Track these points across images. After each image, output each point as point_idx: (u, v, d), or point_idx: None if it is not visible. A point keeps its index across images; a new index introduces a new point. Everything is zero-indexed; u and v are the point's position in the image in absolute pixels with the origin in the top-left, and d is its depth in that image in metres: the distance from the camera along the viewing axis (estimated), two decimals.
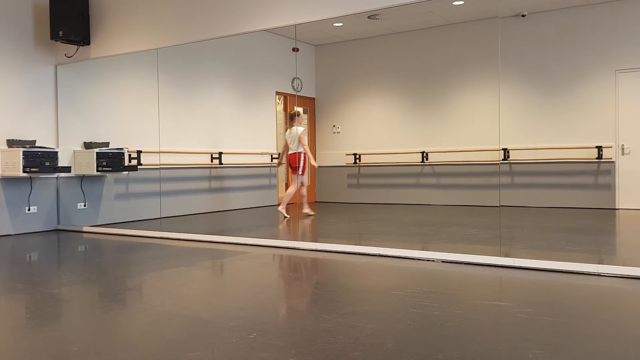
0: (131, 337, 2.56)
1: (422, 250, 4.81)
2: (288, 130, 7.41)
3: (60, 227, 6.76)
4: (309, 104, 9.71)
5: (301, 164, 7.22)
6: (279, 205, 7.91)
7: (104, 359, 2.25)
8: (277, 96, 9.21)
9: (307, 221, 7.27)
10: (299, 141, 7.17)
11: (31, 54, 6.56)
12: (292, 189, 7.33)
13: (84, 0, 6.43)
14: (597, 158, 7.95)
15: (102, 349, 2.37)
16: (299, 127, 7.26)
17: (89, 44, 6.51)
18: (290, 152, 7.32)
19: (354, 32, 8.99)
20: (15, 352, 2.37)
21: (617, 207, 7.78)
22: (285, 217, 7.25)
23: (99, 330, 2.66)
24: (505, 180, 8.46)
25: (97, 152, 6.60)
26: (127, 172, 6.95)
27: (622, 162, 7.82)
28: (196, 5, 5.75)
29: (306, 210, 7.43)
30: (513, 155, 8.41)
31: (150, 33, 6.07)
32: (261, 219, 7.91)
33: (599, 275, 3.74)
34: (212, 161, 7.98)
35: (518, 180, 8.44)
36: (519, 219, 6.98)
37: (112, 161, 6.71)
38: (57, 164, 6.32)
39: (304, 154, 7.23)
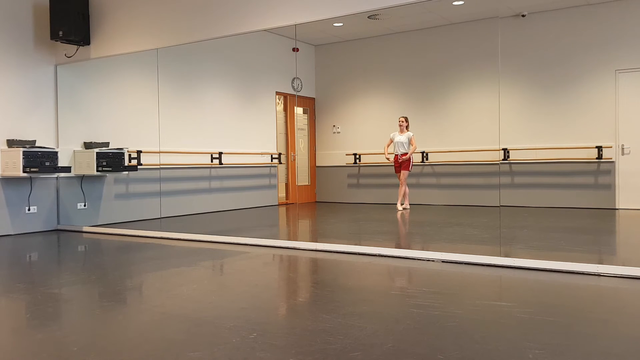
0: (131, 337, 2.56)
1: (422, 250, 4.81)
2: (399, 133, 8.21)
3: (60, 227, 6.75)
4: (309, 104, 9.71)
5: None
6: (281, 203, 8.05)
7: (104, 359, 2.25)
8: (277, 96, 9.21)
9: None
10: (410, 143, 8.09)
11: (31, 54, 6.56)
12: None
13: (84, 0, 6.43)
14: (597, 158, 7.95)
15: (102, 349, 2.37)
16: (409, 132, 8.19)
17: (89, 44, 6.50)
18: (403, 152, 8.09)
19: (354, 32, 8.98)
20: (15, 352, 2.37)
21: (617, 207, 7.78)
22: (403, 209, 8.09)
23: (99, 330, 2.66)
24: (505, 180, 8.46)
25: (97, 152, 6.60)
26: (127, 172, 6.94)
27: (622, 162, 7.82)
28: (196, 5, 5.75)
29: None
30: (513, 155, 8.40)
31: (150, 33, 6.07)
32: (261, 219, 7.92)
33: (599, 275, 3.73)
34: (212, 161, 7.98)
35: (518, 180, 8.44)
36: (519, 219, 6.98)
37: (112, 161, 6.71)
38: (57, 164, 6.32)
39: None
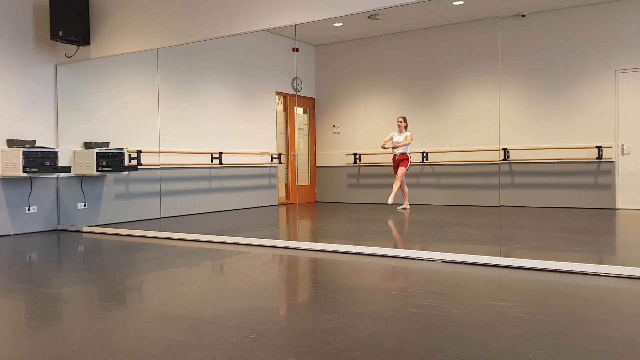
0: (131, 337, 2.56)
1: (422, 250, 4.81)
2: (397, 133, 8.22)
3: (60, 227, 6.76)
4: (309, 104, 9.71)
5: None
6: (281, 203, 8.07)
7: (104, 359, 2.25)
8: (277, 96, 9.20)
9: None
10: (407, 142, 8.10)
11: (31, 54, 6.56)
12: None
13: (84, 0, 6.43)
14: (597, 158, 7.95)
15: (102, 349, 2.37)
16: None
17: (89, 44, 6.50)
18: (400, 152, 8.09)
19: (354, 32, 8.98)
20: (15, 352, 2.37)
21: (617, 207, 7.78)
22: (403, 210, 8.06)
23: (99, 330, 2.66)
24: (505, 180, 8.46)
25: (97, 152, 6.60)
26: (127, 172, 6.94)
27: (622, 162, 7.82)
28: (196, 5, 5.75)
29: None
30: (513, 155, 8.40)
31: (150, 33, 6.07)
32: (261, 219, 7.92)
33: (599, 275, 3.74)
34: (212, 161, 7.98)
35: (518, 180, 8.44)
36: (519, 219, 6.98)
37: (112, 161, 6.71)
38: (57, 164, 6.32)
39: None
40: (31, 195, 6.48)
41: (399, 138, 8.04)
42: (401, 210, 7.97)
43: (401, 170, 7.96)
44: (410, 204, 8.11)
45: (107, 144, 6.84)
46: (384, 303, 3.12)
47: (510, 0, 7.97)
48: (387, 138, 8.17)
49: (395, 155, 8.08)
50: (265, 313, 2.91)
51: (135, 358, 2.25)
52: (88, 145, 6.77)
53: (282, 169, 9.19)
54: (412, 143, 8.14)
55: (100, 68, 6.97)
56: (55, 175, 6.69)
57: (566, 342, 2.38)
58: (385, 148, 8.17)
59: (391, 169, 8.16)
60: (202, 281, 3.73)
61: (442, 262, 4.29)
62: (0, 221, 6.20)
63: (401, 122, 8.07)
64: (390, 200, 7.87)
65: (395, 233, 6.43)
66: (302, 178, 9.57)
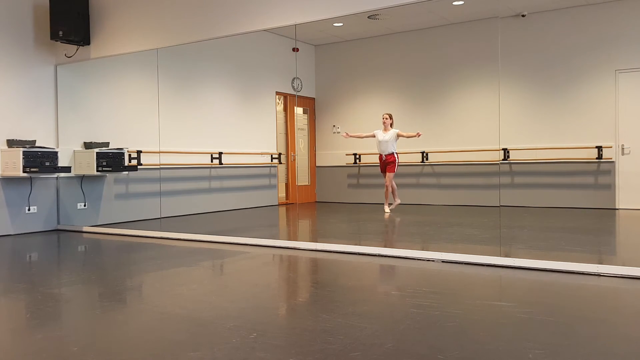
0: (131, 337, 2.56)
1: (422, 250, 4.81)
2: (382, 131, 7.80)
3: (60, 227, 6.75)
4: (309, 104, 9.71)
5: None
6: (281, 203, 8.05)
7: (104, 359, 2.25)
8: (277, 96, 9.20)
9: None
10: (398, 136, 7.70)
11: (31, 54, 6.56)
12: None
13: (84, 0, 6.43)
14: (597, 158, 7.95)
15: (102, 349, 2.37)
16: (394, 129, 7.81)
17: (89, 44, 6.50)
18: (387, 152, 7.70)
19: (354, 32, 8.98)
20: (15, 352, 2.37)
21: (617, 207, 7.78)
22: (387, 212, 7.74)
23: (99, 330, 2.66)
24: (505, 180, 8.46)
25: (97, 152, 6.60)
26: (127, 172, 6.94)
27: (622, 162, 7.82)
28: (196, 5, 5.75)
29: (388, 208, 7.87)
30: (513, 155, 8.40)
31: (150, 33, 6.07)
32: (261, 219, 7.91)
33: (599, 275, 3.73)
34: (212, 161, 7.98)
35: (518, 180, 8.44)
36: (519, 219, 6.98)
37: (112, 161, 6.71)
38: (57, 164, 6.32)
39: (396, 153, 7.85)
40: (31, 195, 6.47)
41: (385, 137, 7.64)
42: (392, 208, 7.76)
43: (389, 176, 7.61)
44: (410, 204, 8.09)
45: (107, 144, 6.84)
46: (384, 303, 3.12)
47: (510, 0, 7.97)
48: (370, 134, 7.80)
49: (381, 155, 7.71)
50: (265, 313, 2.91)
51: (135, 358, 2.25)
52: (88, 145, 6.77)
53: (282, 169, 9.19)
54: (411, 142, 8.09)
55: (100, 68, 6.97)
56: (55, 175, 6.69)
57: (566, 342, 2.38)
58: (347, 137, 7.91)
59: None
60: (202, 281, 3.73)
61: (442, 262, 4.29)
62: (0, 221, 6.20)
63: (387, 118, 7.64)
64: (386, 209, 7.69)
65: (395, 233, 6.43)
66: (302, 178, 9.57)
